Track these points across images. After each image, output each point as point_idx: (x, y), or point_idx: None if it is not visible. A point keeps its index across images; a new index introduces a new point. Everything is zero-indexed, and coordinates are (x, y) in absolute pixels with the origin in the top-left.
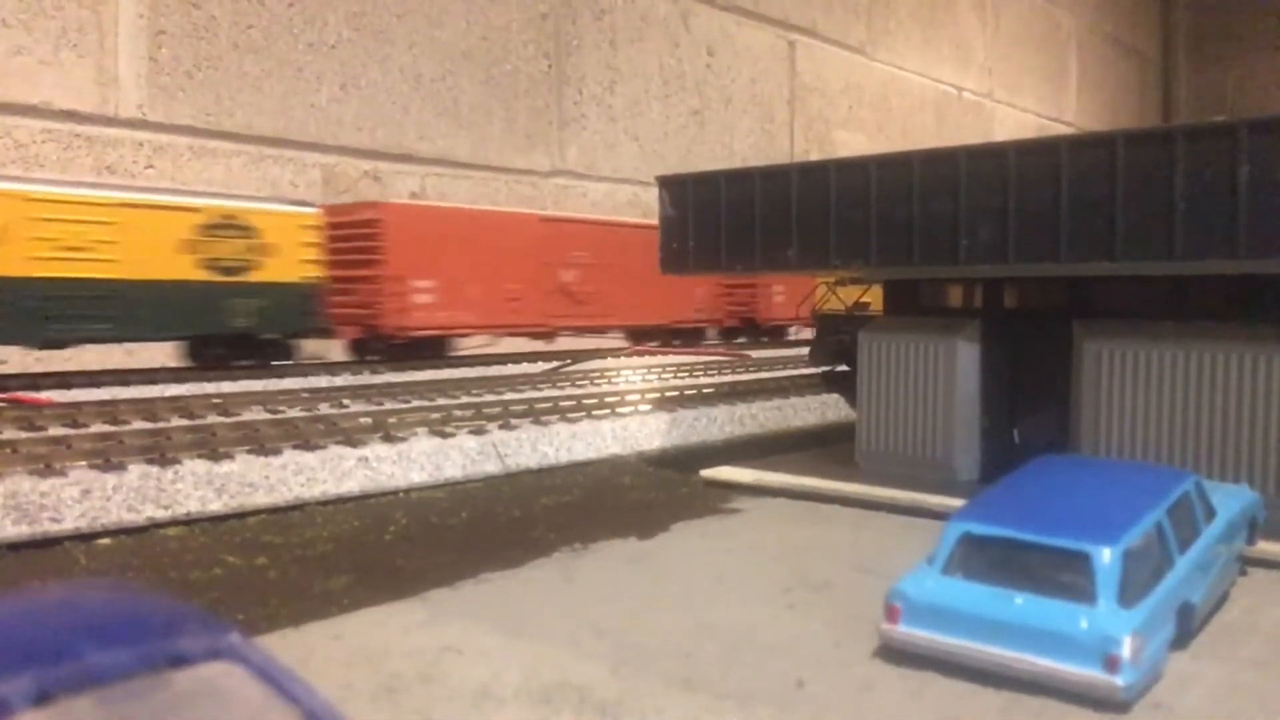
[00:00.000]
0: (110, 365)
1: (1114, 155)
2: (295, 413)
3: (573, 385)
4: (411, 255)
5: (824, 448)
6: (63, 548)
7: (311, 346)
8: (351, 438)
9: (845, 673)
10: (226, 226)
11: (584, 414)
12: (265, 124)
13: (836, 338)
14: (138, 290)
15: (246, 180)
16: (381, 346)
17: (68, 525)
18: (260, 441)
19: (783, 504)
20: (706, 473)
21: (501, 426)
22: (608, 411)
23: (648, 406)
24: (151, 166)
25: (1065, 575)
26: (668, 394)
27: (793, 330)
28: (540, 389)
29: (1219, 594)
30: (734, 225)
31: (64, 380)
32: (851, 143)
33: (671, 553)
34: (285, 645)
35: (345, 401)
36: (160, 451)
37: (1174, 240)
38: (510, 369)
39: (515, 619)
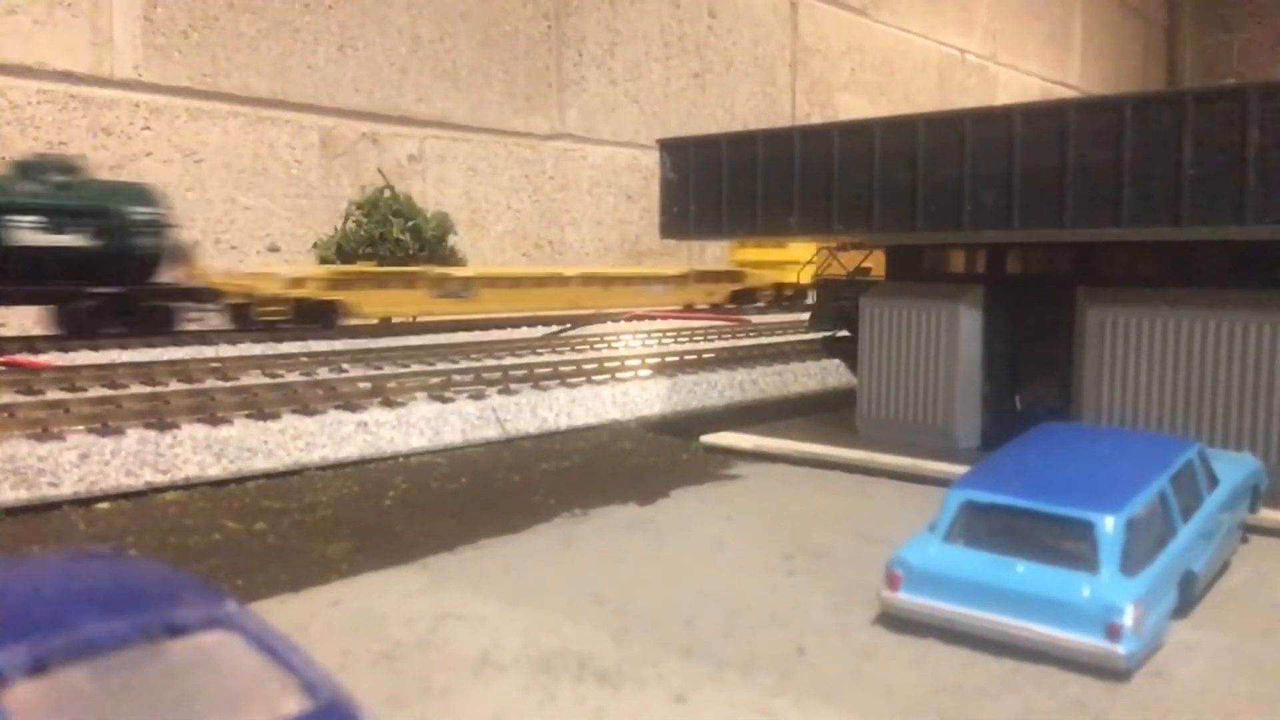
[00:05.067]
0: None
1: (1121, 119)
2: (294, 377)
3: (572, 350)
4: None
5: (825, 413)
6: (61, 512)
7: None
8: (351, 402)
9: (846, 640)
10: None
11: (584, 379)
12: (262, 85)
13: (838, 303)
14: None
15: (244, 142)
16: None
17: (66, 490)
18: (259, 406)
19: (783, 470)
20: (707, 438)
21: (501, 391)
22: (608, 377)
23: (648, 372)
24: (148, 128)
25: (1068, 543)
26: (668, 359)
27: None
28: (540, 354)
29: (1221, 562)
30: (736, 189)
31: (61, 343)
32: (854, 106)
33: (672, 519)
34: (284, 611)
35: (344, 366)
36: (159, 416)
37: (1181, 206)
38: (510, 333)
39: (515, 585)
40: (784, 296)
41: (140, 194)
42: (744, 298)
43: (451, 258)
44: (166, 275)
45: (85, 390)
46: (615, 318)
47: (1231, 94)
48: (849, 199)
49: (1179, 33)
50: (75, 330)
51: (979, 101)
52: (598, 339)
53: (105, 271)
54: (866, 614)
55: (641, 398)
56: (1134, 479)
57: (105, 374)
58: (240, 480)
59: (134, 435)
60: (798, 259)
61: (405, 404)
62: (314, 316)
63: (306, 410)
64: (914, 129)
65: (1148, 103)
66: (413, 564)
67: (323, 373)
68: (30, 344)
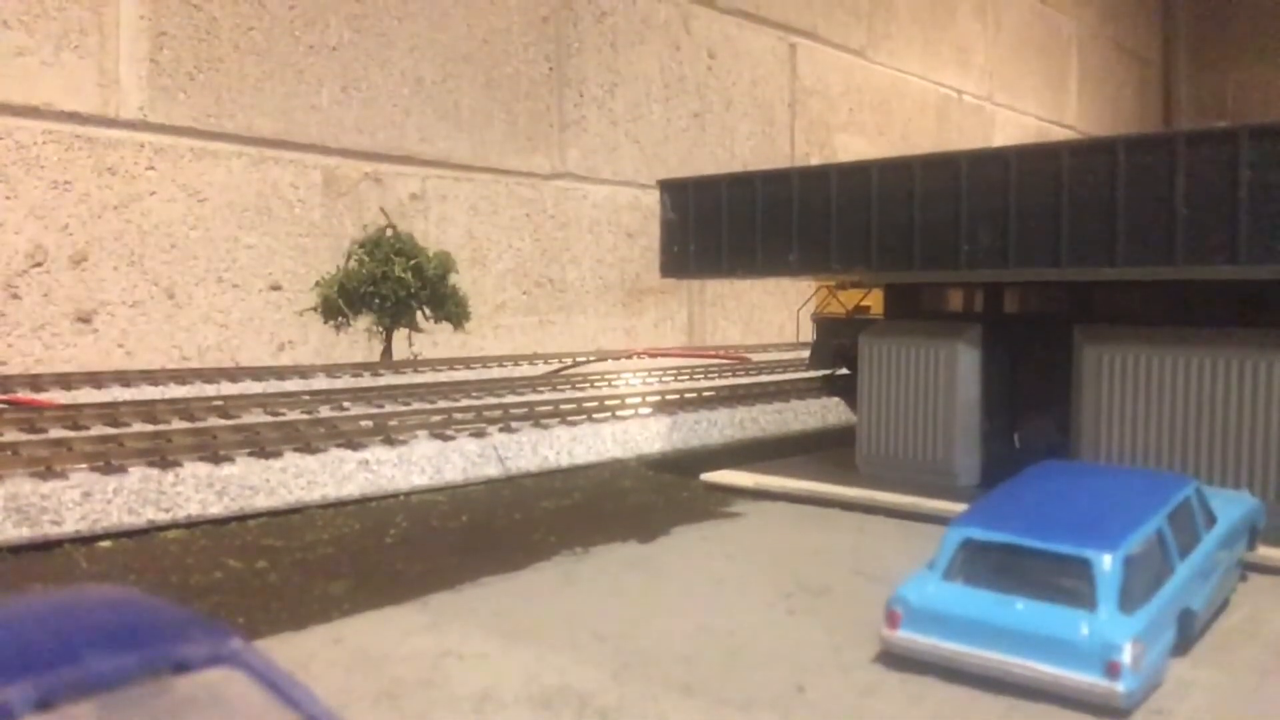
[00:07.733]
0: (110, 366)
1: (1115, 160)
2: (295, 415)
3: (573, 388)
4: None
5: (824, 452)
6: (63, 550)
7: None
8: (352, 440)
9: (846, 678)
10: None
11: (584, 417)
12: (266, 125)
13: (837, 341)
14: None
15: (248, 181)
16: None
17: (68, 528)
18: (261, 444)
19: (783, 508)
20: (707, 476)
21: (502, 429)
22: (608, 415)
23: (648, 410)
24: (152, 168)
25: (1066, 581)
26: (668, 397)
27: None
28: (541, 392)
29: (1220, 600)
30: (735, 229)
31: (64, 381)
32: (852, 146)
33: (672, 557)
34: (286, 649)
35: (346, 404)
36: (161, 454)
37: (1175, 245)
38: (511, 371)
39: (516, 623)
40: None
41: None
42: None
43: (452, 296)
44: None
45: (88, 428)
46: (618, 355)
47: (1223, 136)
48: (847, 238)
49: (1174, 73)
50: None
51: (976, 141)
52: (598, 377)
53: None
54: (866, 652)
55: (642, 435)
56: (1132, 516)
57: (108, 412)
58: (242, 518)
59: (136, 473)
60: None
61: (406, 442)
62: None
63: (308, 448)
64: (910, 170)
65: (1141, 144)
66: (414, 602)
67: (324, 411)
68: (34, 382)
